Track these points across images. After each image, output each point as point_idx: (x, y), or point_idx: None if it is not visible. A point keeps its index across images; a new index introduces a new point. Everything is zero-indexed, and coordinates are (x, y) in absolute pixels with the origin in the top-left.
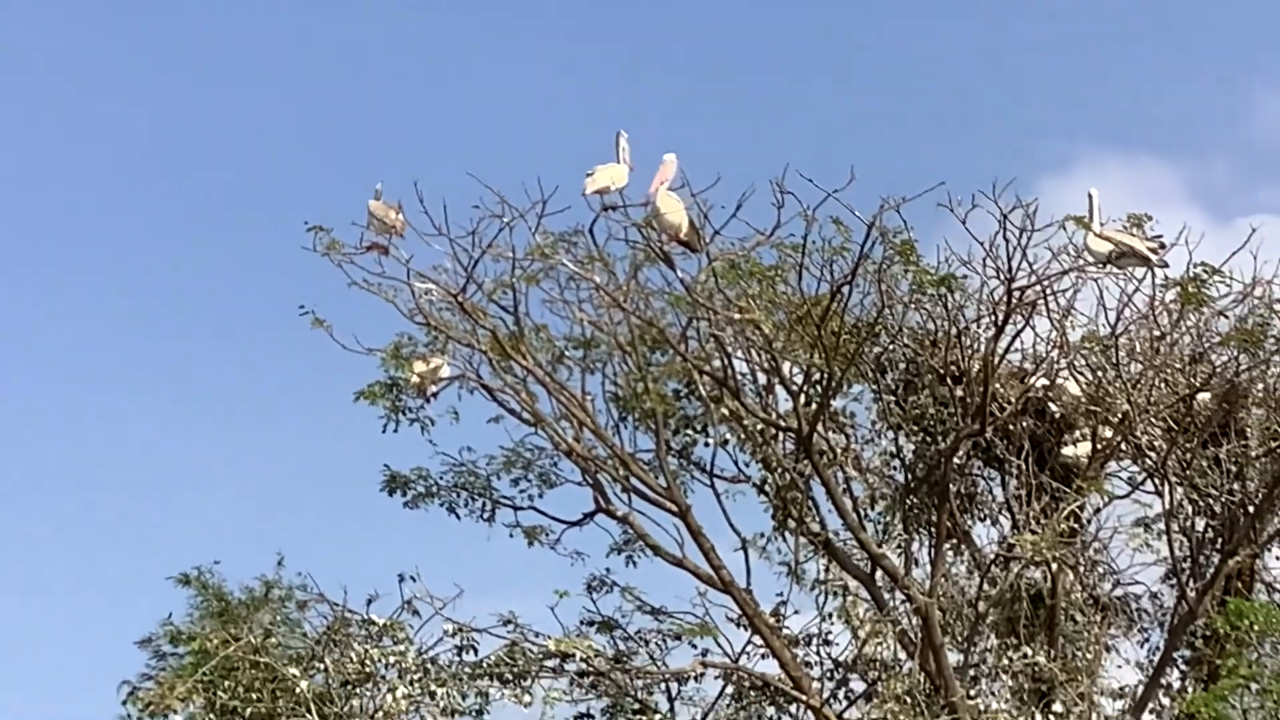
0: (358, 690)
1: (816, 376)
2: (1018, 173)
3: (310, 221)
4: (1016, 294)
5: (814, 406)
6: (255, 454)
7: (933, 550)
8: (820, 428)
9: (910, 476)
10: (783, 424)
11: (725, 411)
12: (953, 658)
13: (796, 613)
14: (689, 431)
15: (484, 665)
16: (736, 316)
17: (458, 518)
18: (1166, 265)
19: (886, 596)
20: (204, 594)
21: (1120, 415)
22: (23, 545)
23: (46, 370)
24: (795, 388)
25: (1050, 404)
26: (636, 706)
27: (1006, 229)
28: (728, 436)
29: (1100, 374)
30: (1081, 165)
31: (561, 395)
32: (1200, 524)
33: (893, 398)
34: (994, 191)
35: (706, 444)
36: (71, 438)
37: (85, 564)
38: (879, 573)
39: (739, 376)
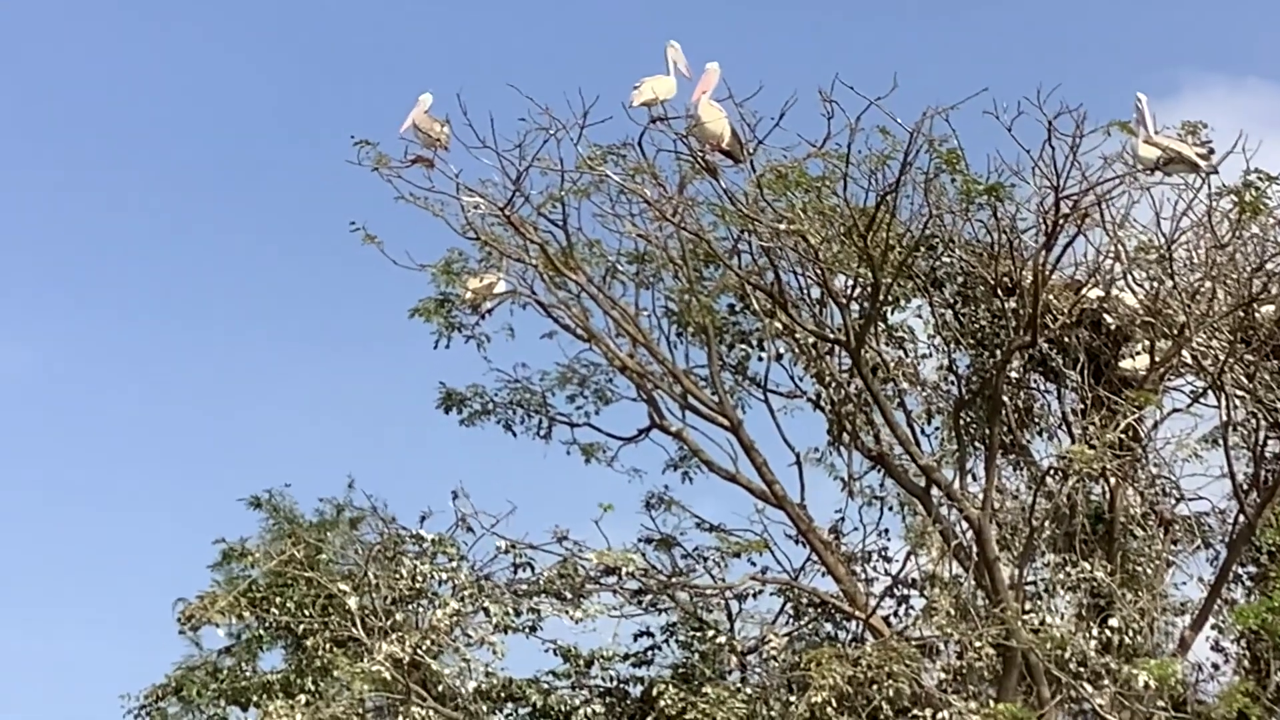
0: (410, 606)
1: (866, 288)
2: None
3: (357, 136)
4: (1066, 202)
5: (863, 319)
6: (315, 374)
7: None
8: (873, 341)
9: (964, 390)
10: (832, 337)
11: (779, 326)
12: (1009, 573)
13: (855, 529)
14: (743, 346)
15: (538, 581)
16: (783, 228)
17: (514, 435)
18: (1215, 171)
19: (943, 512)
20: (275, 516)
21: (1178, 327)
22: (100, 465)
23: (109, 298)
24: (844, 300)
25: (1106, 315)
26: (696, 624)
27: (1053, 136)
28: (781, 351)
29: (1157, 284)
30: (1188, 91)
31: (614, 310)
32: (1262, 437)
33: (948, 311)
34: (1038, 98)
35: (760, 359)
36: (133, 364)
37: (161, 488)
38: (934, 489)
39: (791, 290)
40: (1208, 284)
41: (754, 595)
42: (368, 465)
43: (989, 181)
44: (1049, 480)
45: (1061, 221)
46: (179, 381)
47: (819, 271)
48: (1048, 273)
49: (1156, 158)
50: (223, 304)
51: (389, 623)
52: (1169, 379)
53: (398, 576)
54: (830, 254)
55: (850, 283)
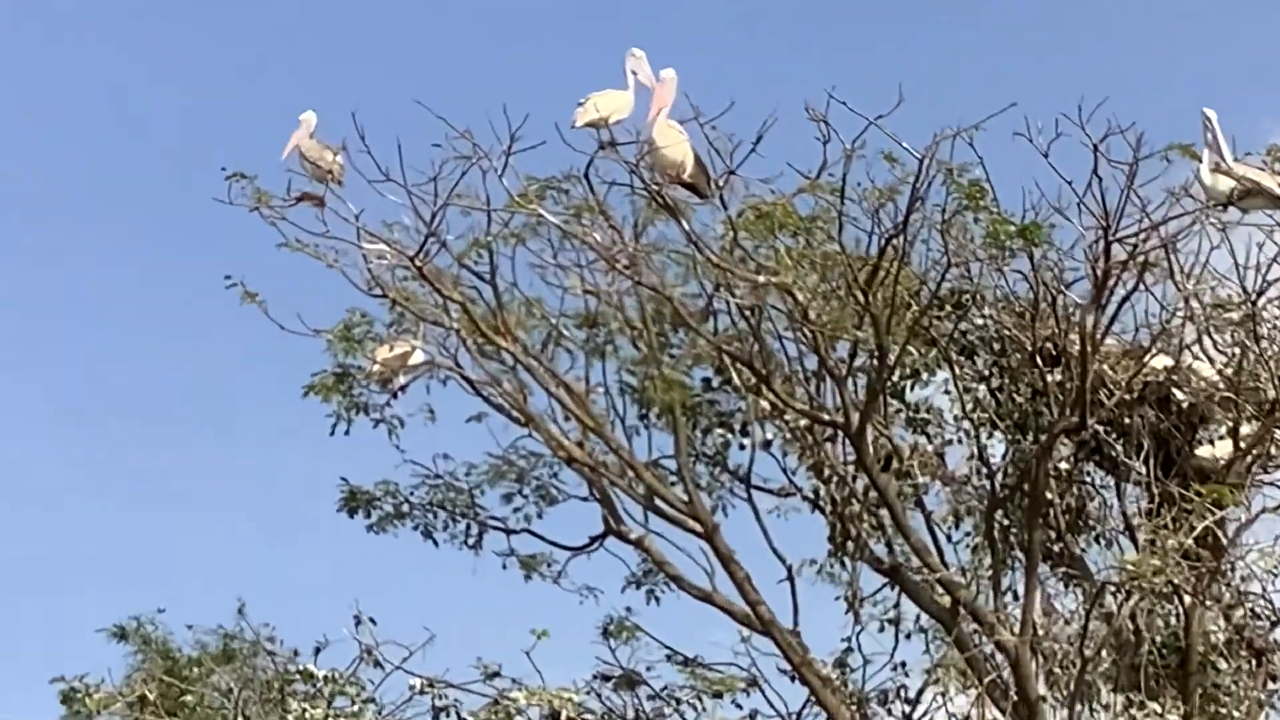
0: None
1: (871, 357)
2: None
3: (229, 168)
4: (1120, 247)
5: (868, 396)
6: (188, 469)
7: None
8: (881, 424)
9: (999, 486)
10: (828, 418)
11: (765, 405)
12: (1059, 718)
13: (867, 662)
14: (722, 432)
15: None
16: (762, 281)
17: (435, 544)
18: None
19: (975, 640)
20: (145, 649)
21: (1268, 404)
22: None
23: None
24: (842, 372)
25: (1176, 391)
26: None
27: (1100, 163)
28: (769, 437)
29: (1241, 351)
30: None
31: (558, 388)
32: None
33: (981, 385)
34: (1080, 117)
35: (743, 447)
36: None
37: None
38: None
39: (780, 360)
40: None
41: None
42: (258, 582)
43: (1023, 221)
44: (1107, 599)
45: (1115, 272)
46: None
47: (810, 336)
48: (1100, 337)
49: (1230, 190)
50: (55, 376)
51: None
52: (1257, 471)
53: None
54: (825, 314)
55: (851, 350)
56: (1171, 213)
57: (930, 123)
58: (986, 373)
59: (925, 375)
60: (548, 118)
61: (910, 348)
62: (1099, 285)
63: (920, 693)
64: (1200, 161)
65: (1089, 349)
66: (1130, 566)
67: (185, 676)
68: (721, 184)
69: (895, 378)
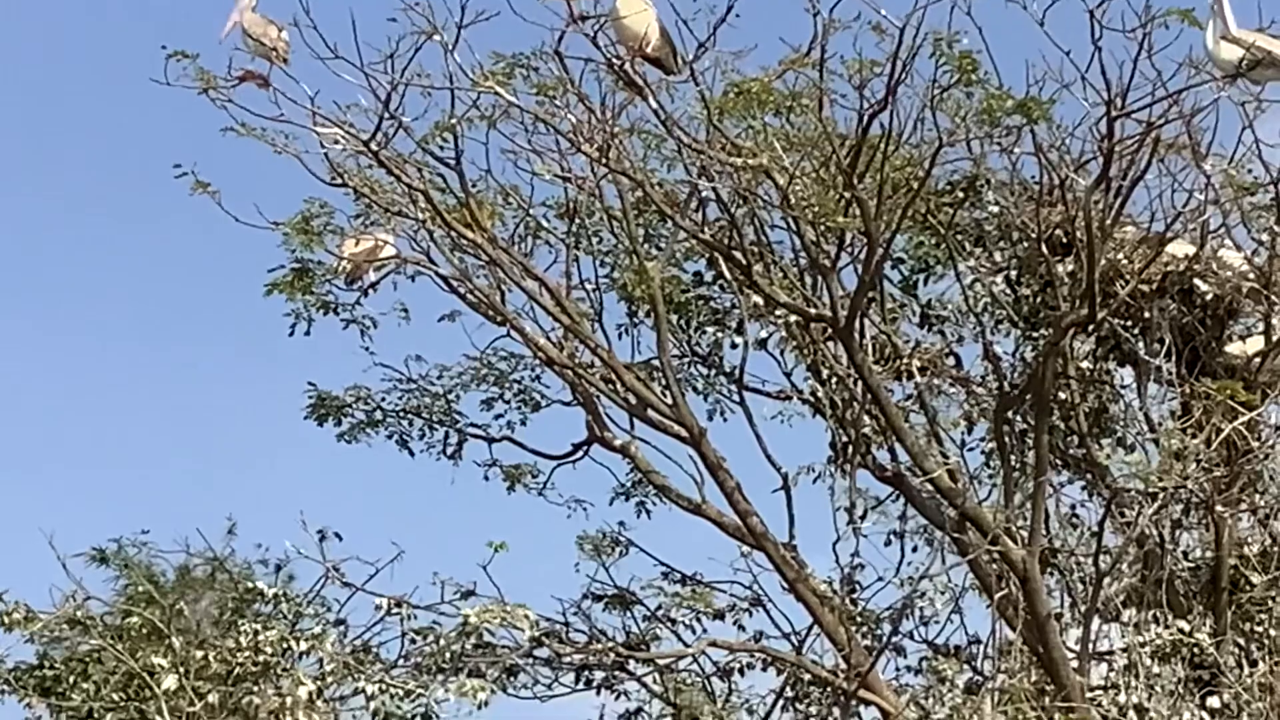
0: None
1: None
2: None
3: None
4: (1129, 123)
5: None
6: (146, 377)
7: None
8: (886, 317)
9: (1008, 385)
10: (813, 312)
11: (759, 301)
12: (1074, 637)
13: (880, 580)
14: (716, 330)
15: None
16: (738, 162)
17: (411, 454)
18: None
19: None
20: (128, 574)
21: None
22: None
23: None
24: (828, 262)
25: (1199, 281)
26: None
27: (1097, 31)
28: (765, 335)
29: (1272, 239)
30: None
31: (532, 283)
32: None
33: (999, 277)
34: None
35: (734, 345)
36: None
37: None
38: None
39: (772, 250)
40: None
41: (740, 671)
42: (224, 497)
43: (1023, 96)
44: (1126, 509)
45: (1122, 150)
46: None
47: (793, 223)
48: (1110, 222)
49: (1239, 59)
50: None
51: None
52: None
53: (235, 647)
54: (809, 198)
55: (839, 239)
56: (1182, 84)
57: None
58: (1004, 264)
59: (940, 269)
60: None
61: (919, 238)
62: (1104, 165)
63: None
64: (1204, 29)
65: (1094, 234)
66: (1150, 472)
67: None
68: (691, 59)
69: (906, 271)
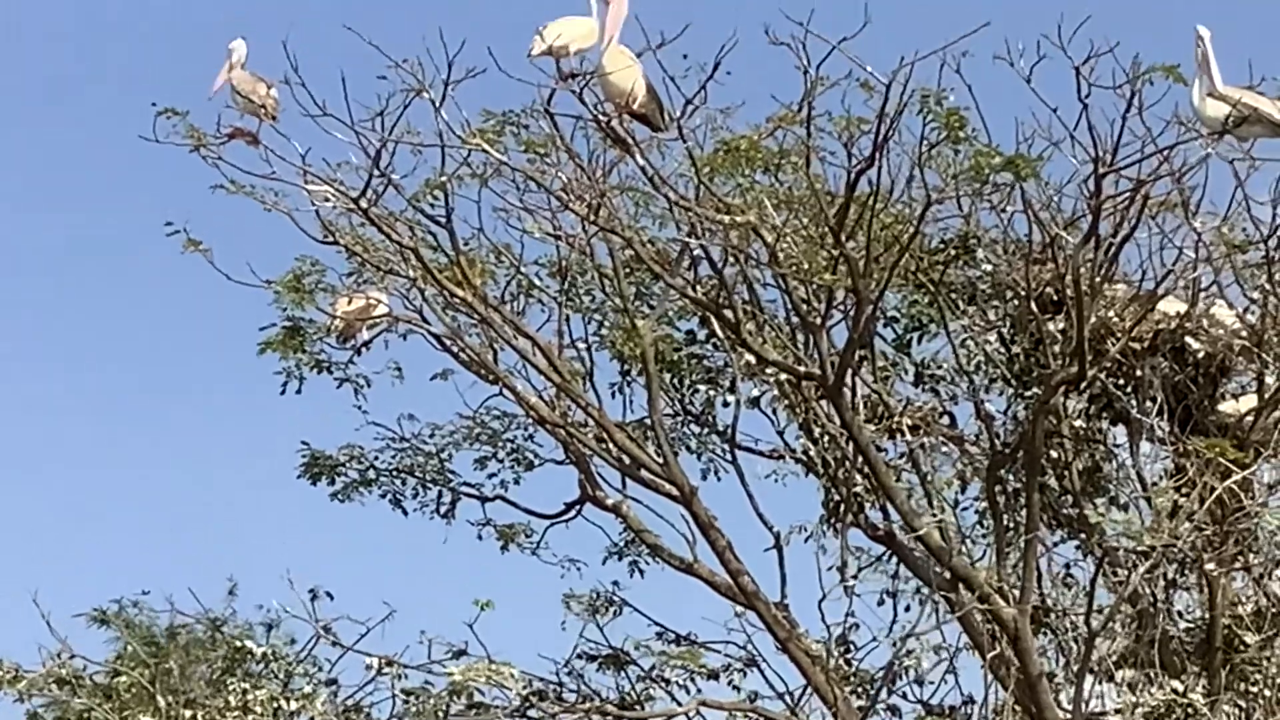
0: None
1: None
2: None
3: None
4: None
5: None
6: (140, 433)
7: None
8: (878, 375)
9: (999, 443)
10: (802, 370)
11: (751, 359)
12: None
13: (875, 641)
14: (709, 388)
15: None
16: (725, 220)
17: (404, 513)
18: None
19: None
20: (129, 636)
21: None
22: None
23: None
24: (817, 319)
25: (1191, 339)
26: None
27: (1083, 88)
28: (758, 394)
29: (1264, 295)
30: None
31: (523, 341)
32: None
33: (993, 335)
34: (1060, 37)
35: (725, 404)
36: None
37: None
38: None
39: (765, 308)
40: None
41: None
42: (220, 555)
43: (1011, 152)
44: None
45: (1109, 206)
46: None
47: (782, 280)
48: (1099, 279)
49: (1225, 116)
50: None
51: None
52: None
53: (225, 706)
54: (797, 256)
55: (828, 297)
56: (1171, 141)
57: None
58: (998, 322)
59: (934, 327)
60: (511, 47)
61: (913, 296)
62: (1093, 222)
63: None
64: (1188, 85)
65: (1083, 292)
66: (1137, 531)
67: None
68: (679, 116)
69: (900, 330)
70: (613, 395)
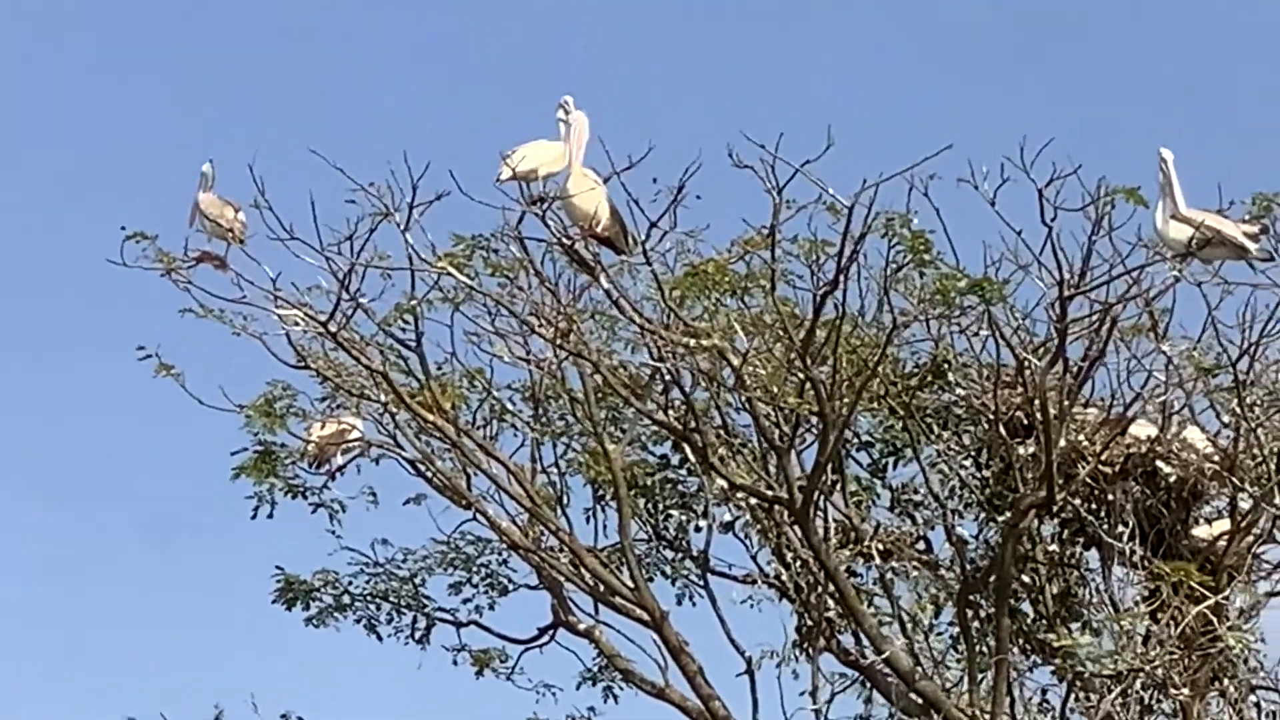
0: None
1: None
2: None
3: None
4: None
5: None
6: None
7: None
8: (854, 500)
9: (969, 569)
10: (771, 494)
11: (724, 485)
12: None
13: None
14: (682, 513)
15: None
16: (691, 344)
17: (379, 638)
18: (1271, 258)
19: None
20: None
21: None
22: None
23: None
24: (784, 442)
25: (1162, 464)
26: None
27: (1054, 213)
28: (728, 518)
29: (1237, 420)
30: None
31: (493, 466)
32: None
33: (967, 460)
34: (1023, 160)
35: (698, 529)
36: None
37: None
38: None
39: (738, 432)
40: None
41: None
42: (193, 683)
43: (979, 276)
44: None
45: (1076, 329)
46: None
47: (748, 405)
48: (1068, 403)
49: (1189, 239)
50: None
51: None
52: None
53: None
54: (765, 379)
55: (794, 420)
56: (1135, 264)
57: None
58: (971, 446)
59: (909, 452)
60: (480, 171)
61: (889, 420)
62: (1059, 344)
63: None
64: (1150, 208)
65: (1050, 415)
66: (1090, 654)
67: None
68: (643, 239)
69: (875, 455)
70: (586, 520)
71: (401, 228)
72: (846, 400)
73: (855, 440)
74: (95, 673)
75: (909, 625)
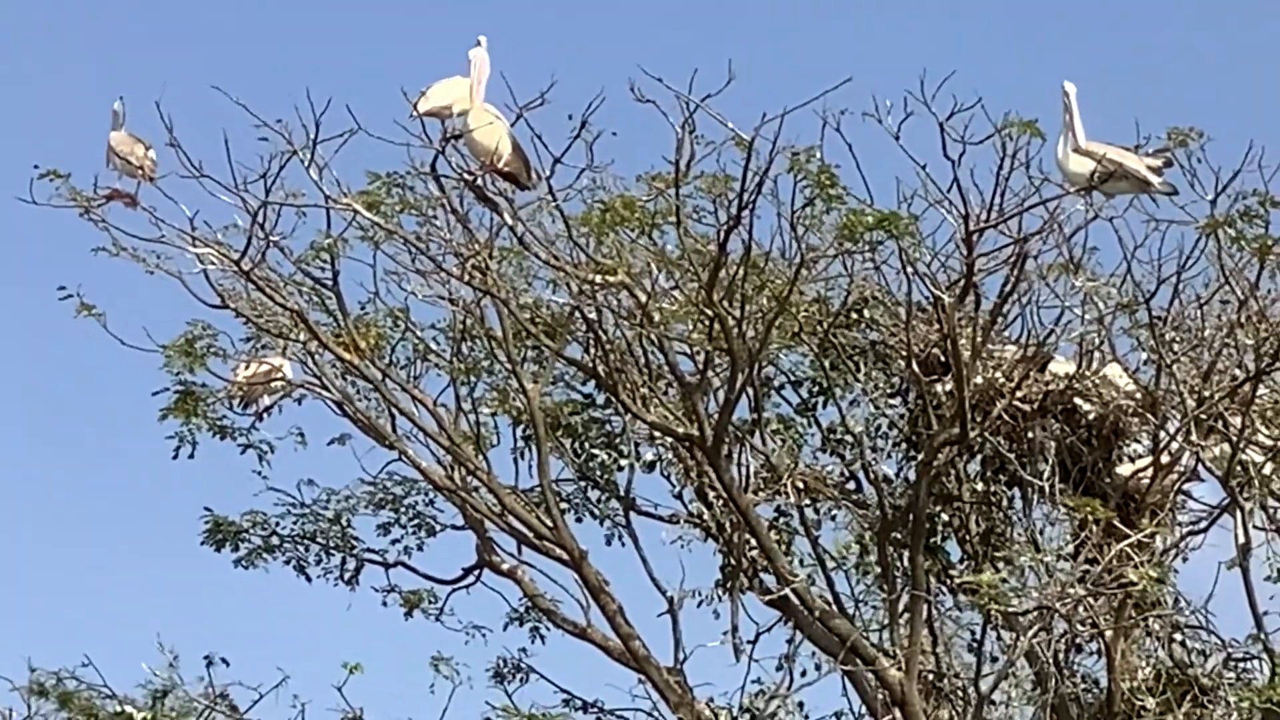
0: None
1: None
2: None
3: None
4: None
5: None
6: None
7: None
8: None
9: (890, 508)
10: (681, 431)
11: (646, 422)
12: None
13: (805, 710)
14: (599, 451)
15: None
16: (597, 280)
17: (308, 579)
18: (1174, 191)
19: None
20: (70, 709)
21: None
22: None
23: None
24: (695, 379)
25: (1081, 401)
26: None
27: (962, 148)
28: (651, 458)
29: (1157, 357)
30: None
31: (412, 406)
32: None
33: (895, 399)
34: (923, 91)
35: (620, 468)
36: None
37: None
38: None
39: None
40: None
41: None
42: (125, 623)
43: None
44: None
45: (984, 264)
46: None
47: (656, 342)
48: (979, 339)
49: (1090, 172)
50: None
51: None
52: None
53: None
54: (671, 315)
55: (705, 357)
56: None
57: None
58: (899, 387)
59: (838, 390)
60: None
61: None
62: (966, 279)
63: None
64: (1047, 140)
65: (961, 352)
66: (996, 591)
67: None
68: (548, 174)
69: (804, 394)
70: (515, 461)
71: (305, 164)
72: (755, 338)
73: (784, 378)
74: (14, 616)
75: (831, 565)
